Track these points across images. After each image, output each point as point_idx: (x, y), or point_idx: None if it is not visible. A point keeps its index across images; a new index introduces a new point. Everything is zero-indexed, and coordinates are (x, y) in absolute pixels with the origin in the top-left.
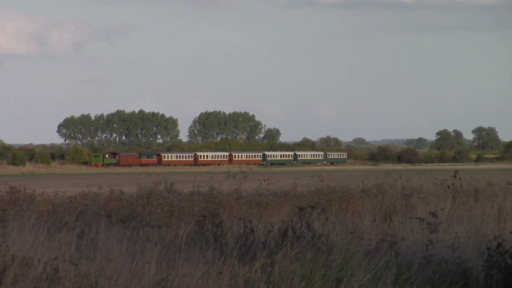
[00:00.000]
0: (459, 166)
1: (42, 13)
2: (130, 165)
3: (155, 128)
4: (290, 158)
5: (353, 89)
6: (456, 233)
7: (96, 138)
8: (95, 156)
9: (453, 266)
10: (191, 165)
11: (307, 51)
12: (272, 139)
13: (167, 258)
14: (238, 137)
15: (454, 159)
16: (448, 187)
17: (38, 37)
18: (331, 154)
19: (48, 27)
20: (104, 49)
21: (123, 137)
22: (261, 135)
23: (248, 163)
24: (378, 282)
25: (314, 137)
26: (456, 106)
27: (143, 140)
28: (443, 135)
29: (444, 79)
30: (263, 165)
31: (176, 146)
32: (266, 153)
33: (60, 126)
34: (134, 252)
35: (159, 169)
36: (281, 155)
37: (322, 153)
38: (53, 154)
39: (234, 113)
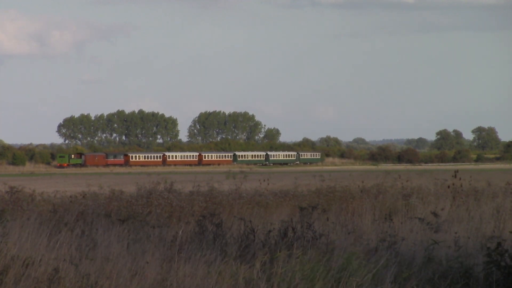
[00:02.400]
0: (459, 166)
1: (42, 13)
2: (96, 166)
3: (155, 128)
4: (261, 159)
5: (353, 89)
6: (456, 233)
7: (96, 138)
8: (60, 157)
9: (453, 266)
10: (159, 165)
11: (308, 51)
12: (272, 139)
13: (167, 258)
14: (238, 137)
15: (454, 159)
16: (448, 187)
17: (39, 37)
18: (304, 155)
19: (48, 27)
20: (105, 49)
21: (123, 137)
22: (261, 135)
23: (218, 163)
24: (378, 281)
25: (314, 137)
26: (456, 106)
27: (143, 140)
28: (443, 135)
29: (444, 79)
30: (234, 164)
31: (176, 146)
32: (237, 153)
33: (60, 126)
34: (134, 252)
35: (155, 170)
36: (252, 155)
37: (295, 153)
38: (53, 154)
39: (234, 113)
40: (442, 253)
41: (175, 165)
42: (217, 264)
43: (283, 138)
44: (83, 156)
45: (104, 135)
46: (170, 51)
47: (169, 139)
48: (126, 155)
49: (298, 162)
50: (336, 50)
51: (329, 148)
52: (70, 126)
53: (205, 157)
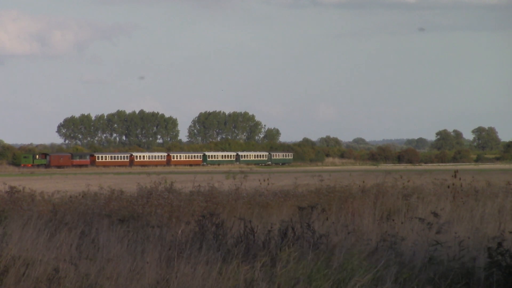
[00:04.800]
0: (459, 166)
1: (44, 13)
2: (61, 166)
3: (155, 128)
4: (232, 159)
5: (353, 89)
6: (456, 233)
7: (96, 138)
8: (24, 157)
9: (453, 266)
10: (126, 166)
11: (308, 51)
12: (272, 139)
13: (167, 258)
14: (238, 137)
15: (454, 159)
16: (448, 187)
17: (41, 37)
18: (276, 155)
19: (50, 27)
20: (106, 49)
21: (123, 137)
22: (261, 135)
23: (187, 163)
24: (379, 281)
25: (314, 137)
26: (456, 106)
27: (143, 140)
28: (443, 135)
29: (444, 79)
30: (203, 165)
31: (176, 146)
32: (207, 153)
33: (60, 126)
34: (134, 252)
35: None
36: (222, 155)
37: (267, 153)
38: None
39: (234, 113)
40: (443, 253)
41: (142, 165)
42: (217, 264)
43: (283, 138)
44: (48, 157)
45: (104, 135)
46: (170, 51)
47: (169, 139)
48: (92, 156)
49: (270, 162)
50: (336, 50)
51: (329, 148)
52: (70, 126)
53: (173, 157)
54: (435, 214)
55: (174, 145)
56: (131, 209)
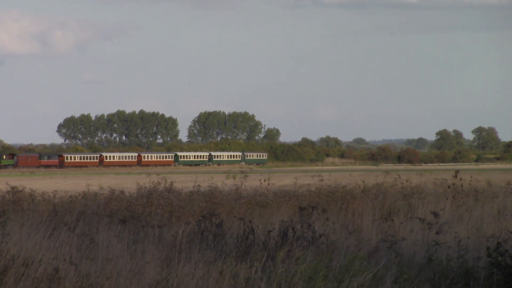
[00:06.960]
0: (459, 166)
1: (45, 13)
2: (29, 167)
3: (155, 128)
4: (204, 159)
5: (353, 89)
6: (456, 233)
7: (96, 138)
8: None
9: (453, 266)
10: (96, 166)
11: (308, 51)
12: (272, 139)
13: (167, 258)
14: (238, 137)
15: (454, 159)
16: (449, 187)
17: (41, 37)
18: (249, 155)
19: (51, 27)
20: (107, 49)
21: (123, 137)
22: (261, 135)
23: (158, 164)
24: (379, 282)
25: (314, 137)
26: (456, 106)
27: (143, 140)
28: (443, 135)
29: (444, 79)
30: (175, 166)
31: (176, 146)
32: (179, 153)
33: (60, 126)
34: (134, 252)
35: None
36: (194, 156)
37: (240, 153)
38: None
39: (234, 113)
40: (443, 253)
41: (113, 166)
42: (217, 264)
43: (283, 138)
44: (15, 157)
45: (104, 135)
46: (171, 51)
47: (169, 139)
48: (60, 156)
49: (243, 162)
50: (337, 50)
51: (329, 148)
52: (70, 126)
53: (144, 158)
54: (435, 214)
55: (174, 145)
56: (131, 209)
